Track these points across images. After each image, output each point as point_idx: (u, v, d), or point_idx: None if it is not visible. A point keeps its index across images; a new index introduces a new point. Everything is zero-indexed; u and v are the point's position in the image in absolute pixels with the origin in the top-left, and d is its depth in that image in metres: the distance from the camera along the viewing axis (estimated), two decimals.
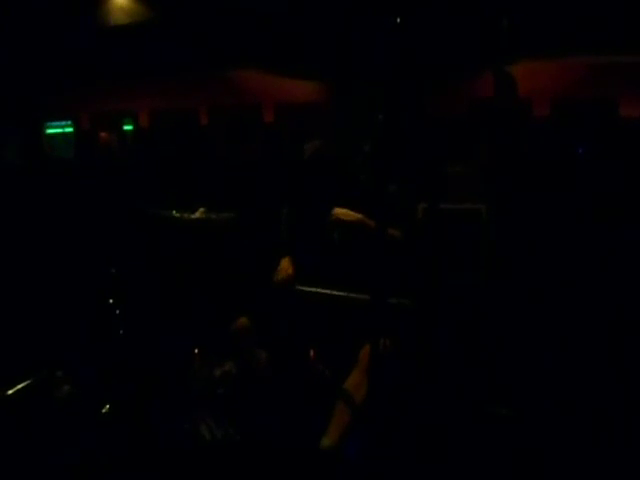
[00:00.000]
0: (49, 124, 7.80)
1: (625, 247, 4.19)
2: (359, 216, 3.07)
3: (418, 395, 2.99)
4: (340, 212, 3.09)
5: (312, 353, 3.11)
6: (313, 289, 3.11)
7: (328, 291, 3.06)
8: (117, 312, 3.64)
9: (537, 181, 4.73)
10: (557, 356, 3.60)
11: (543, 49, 5.35)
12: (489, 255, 3.75)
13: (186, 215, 3.97)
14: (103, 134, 7.60)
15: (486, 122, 5.13)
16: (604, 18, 5.20)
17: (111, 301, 3.65)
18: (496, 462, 2.89)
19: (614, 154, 5.21)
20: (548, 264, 4.17)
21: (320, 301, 3.07)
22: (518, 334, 3.59)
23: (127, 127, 7.34)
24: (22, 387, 3.25)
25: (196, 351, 3.56)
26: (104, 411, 3.24)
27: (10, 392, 3.21)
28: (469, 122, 5.50)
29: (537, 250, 4.25)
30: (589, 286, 3.99)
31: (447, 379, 3.18)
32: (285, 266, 3.20)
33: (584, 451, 2.95)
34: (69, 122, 7.72)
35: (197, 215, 3.97)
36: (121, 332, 3.60)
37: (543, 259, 4.21)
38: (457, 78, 5.63)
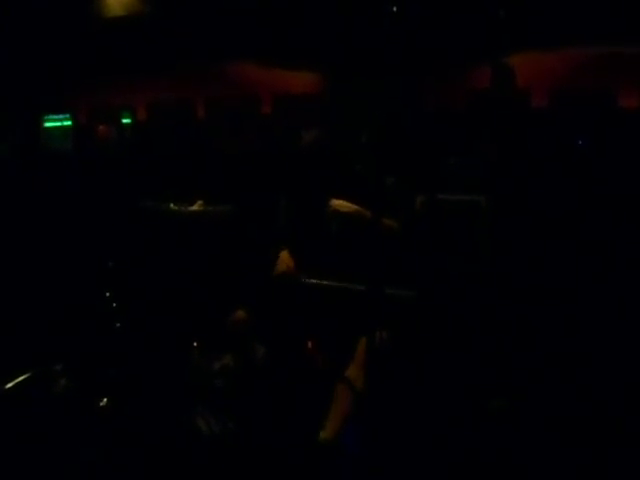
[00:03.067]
0: (47, 117, 7.79)
1: (626, 238, 4.18)
2: (356, 207, 3.06)
3: (416, 386, 2.99)
4: (337, 203, 3.08)
5: (310, 344, 3.10)
6: (315, 281, 3.10)
7: (328, 282, 3.05)
8: (114, 305, 3.63)
9: (536, 172, 4.72)
10: (556, 347, 3.59)
11: (541, 40, 5.32)
12: (488, 246, 3.73)
13: (184, 208, 3.97)
14: (101, 127, 7.58)
15: (485, 113, 5.11)
16: (602, 8, 5.18)
17: (108, 294, 3.65)
18: (493, 454, 2.88)
19: (613, 145, 5.19)
20: (547, 255, 4.15)
21: (319, 293, 3.06)
22: (517, 325, 3.57)
23: (125, 120, 7.33)
24: (20, 381, 3.25)
25: (195, 344, 3.56)
26: (102, 405, 3.24)
27: (8, 386, 3.21)
28: (468, 113, 5.48)
29: (536, 241, 4.23)
30: (589, 278, 3.98)
31: (445, 370, 3.17)
32: (285, 258, 3.19)
33: (580, 446, 2.95)
34: (67, 115, 7.70)
35: (195, 208, 3.97)
36: (118, 325, 3.60)
37: (542, 250, 4.20)
38: (456, 69, 5.61)
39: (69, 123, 7.73)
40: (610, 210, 4.26)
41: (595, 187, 4.45)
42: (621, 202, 4.29)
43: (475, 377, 3.22)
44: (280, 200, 3.58)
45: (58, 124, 7.82)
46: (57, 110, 7.73)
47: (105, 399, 3.25)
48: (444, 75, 5.54)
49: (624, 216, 4.23)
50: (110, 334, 3.61)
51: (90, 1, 6.69)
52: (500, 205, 3.88)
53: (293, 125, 5.47)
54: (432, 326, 3.10)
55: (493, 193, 3.85)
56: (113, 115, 7.35)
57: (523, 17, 5.13)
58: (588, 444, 2.95)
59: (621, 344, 3.54)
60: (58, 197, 5.80)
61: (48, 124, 7.82)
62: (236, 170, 5.18)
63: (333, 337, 3.04)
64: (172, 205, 3.99)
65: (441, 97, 5.60)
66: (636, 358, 3.42)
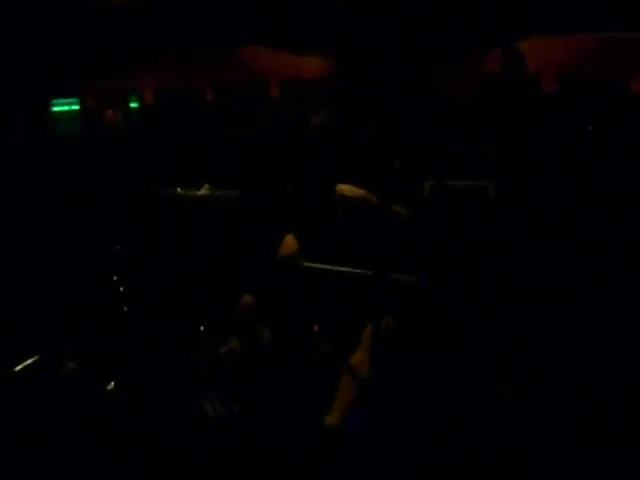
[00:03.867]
0: (55, 101, 7.77)
1: (635, 226, 4.15)
2: (363, 192, 3.03)
3: (422, 372, 2.98)
4: (344, 188, 3.05)
5: (316, 329, 3.10)
6: (318, 265, 3.08)
7: (333, 267, 3.03)
8: (122, 289, 3.64)
9: (545, 158, 4.69)
10: (561, 338, 3.57)
11: (552, 25, 5.27)
12: (496, 233, 3.72)
13: (191, 192, 3.97)
14: (109, 112, 7.56)
15: (494, 99, 5.07)
16: None
17: (115, 278, 3.65)
18: (498, 440, 2.88)
19: (624, 131, 5.14)
20: (555, 242, 4.13)
21: (325, 278, 3.05)
22: (522, 313, 3.56)
23: (133, 105, 7.30)
24: (29, 364, 3.27)
25: (202, 328, 3.57)
26: (109, 388, 3.25)
27: (17, 369, 3.23)
28: (477, 99, 5.44)
29: (545, 228, 4.21)
30: (596, 264, 3.95)
31: (451, 357, 3.17)
32: (289, 242, 3.18)
33: (582, 438, 2.94)
34: (75, 99, 7.68)
35: (202, 192, 3.97)
36: (125, 309, 3.60)
37: (550, 237, 4.17)
38: (465, 55, 5.56)
39: (77, 107, 7.70)
40: (622, 197, 4.23)
41: (607, 173, 4.42)
42: (634, 189, 4.26)
43: (480, 364, 3.21)
44: (288, 184, 3.57)
45: (66, 108, 7.80)
46: (65, 94, 7.72)
47: (112, 383, 3.26)
48: (455, 61, 5.50)
49: (636, 203, 4.20)
50: (118, 318, 3.62)
51: None
52: (509, 191, 3.85)
53: (301, 109, 5.45)
54: (438, 312, 3.09)
55: (501, 179, 3.83)
56: (121, 99, 7.33)
57: (533, 2, 5.07)
58: (588, 441, 2.94)
59: (621, 341, 3.52)
60: (66, 181, 5.80)
61: (56, 108, 7.80)
62: (243, 154, 5.17)
63: (339, 322, 3.04)
64: (179, 189, 3.99)
65: (451, 82, 5.55)
66: (636, 354, 3.41)
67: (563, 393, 3.20)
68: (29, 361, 3.29)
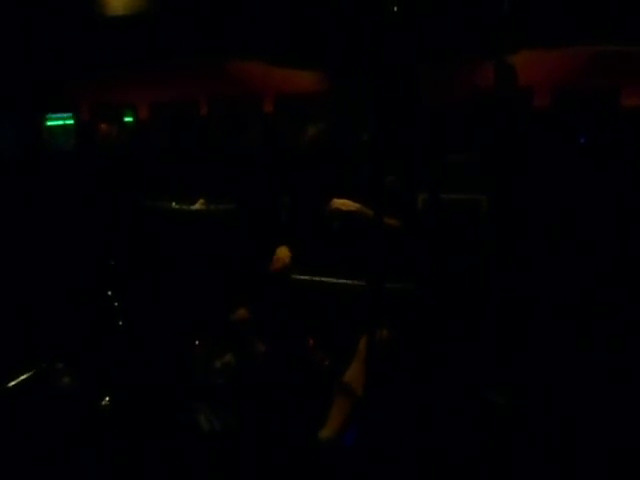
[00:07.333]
0: (49, 116, 7.78)
1: (626, 235, 4.17)
2: (357, 206, 3.04)
3: (417, 384, 2.98)
4: (338, 202, 3.06)
5: (311, 342, 3.10)
6: (309, 277, 3.07)
7: (324, 279, 3.03)
8: (116, 304, 3.63)
9: (538, 171, 4.71)
10: (558, 344, 3.58)
11: (544, 38, 5.31)
12: (490, 245, 3.73)
13: (185, 206, 3.97)
14: (103, 126, 7.57)
15: (486, 111, 5.10)
16: (606, 7, 5.17)
17: (110, 293, 3.65)
18: (494, 451, 2.88)
19: (616, 144, 5.18)
20: (548, 254, 4.15)
21: (320, 290, 3.05)
22: (519, 323, 3.57)
23: (127, 119, 7.31)
24: (22, 379, 3.26)
25: (196, 342, 3.57)
26: (104, 403, 3.24)
27: (10, 384, 3.22)
28: (469, 111, 5.47)
29: (538, 240, 4.23)
30: (590, 275, 3.97)
31: (446, 366, 3.17)
32: (282, 255, 3.18)
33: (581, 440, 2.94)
34: (70, 114, 7.68)
35: (196, 206, 3.97)
36: (120, 324, 3.60)
37: (544, 249, 4.19)
38: (457, 66, 5.60)
39: (71, 122, 7.71)
40: (613, 207, 4.25)
41: (598, 185, 4.45)
42: (625, 199, 4.29)
43: (477, 374, 3.22)
44: (283, 198, 3.58)
45: (60, 122, 7.81)
46: (59, 109, 7.73)
47: (107, 397, 3.25)
48: (447, 73, 5.53)
49: (627, 213, 4.22)
50: (112, 332, 3.62)
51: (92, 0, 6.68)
52: (502, 204, 3.88)
53: (295, 123, 5.48)
54: (433, 324, 3.09)
55: (494, 192, 3.85)
56: (115, 113, 7.34)
57: (526, 15, 5.11)
58: (589, 441, 2.95)
59: (624, 337, 3.53)
60: (60, 195, 5.80)
61: (50, 123, 7.81)
62: (238, 168, 5.18)
63: (334, 334, 3.04)
64: (174, 204, 3.99)
65: (443, 95, 5.59)
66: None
67: (561, 406, 3.21)
68: (23, 376, 3.28)
